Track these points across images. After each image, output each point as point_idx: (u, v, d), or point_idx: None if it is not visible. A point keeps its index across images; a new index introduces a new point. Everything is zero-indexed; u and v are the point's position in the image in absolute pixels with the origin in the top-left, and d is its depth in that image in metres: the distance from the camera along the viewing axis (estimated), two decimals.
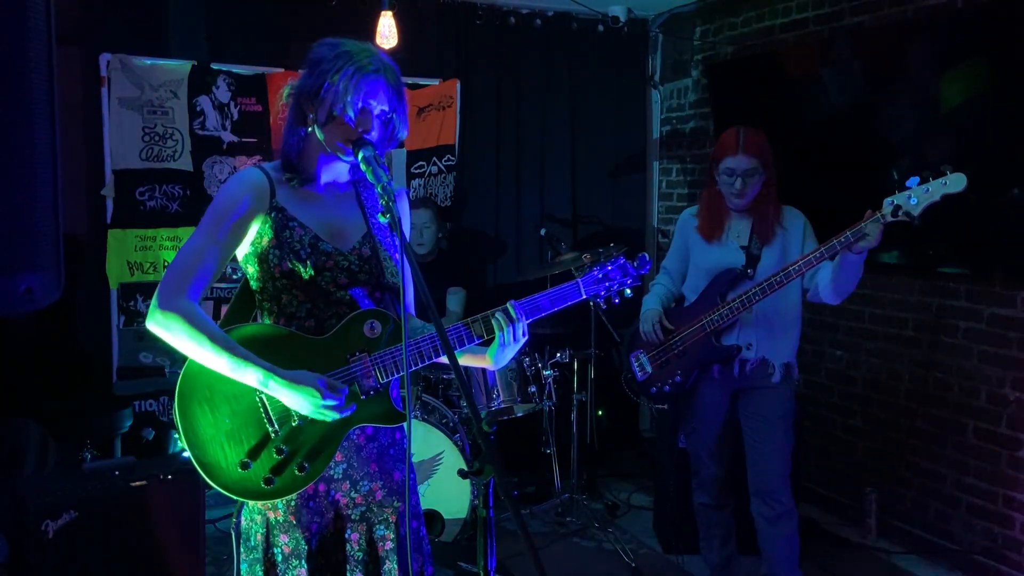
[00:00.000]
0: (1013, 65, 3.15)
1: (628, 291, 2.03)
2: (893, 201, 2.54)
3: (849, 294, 2.87)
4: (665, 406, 3.28)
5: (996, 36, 3.21)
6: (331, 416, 1.79)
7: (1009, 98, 3.19)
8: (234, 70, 4.38)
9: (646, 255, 2.05)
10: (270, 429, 1.83)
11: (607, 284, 1.99)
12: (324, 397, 1.76)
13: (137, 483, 2.99)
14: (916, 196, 2.50)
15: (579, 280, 1.98)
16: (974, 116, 3.35)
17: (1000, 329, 3.48)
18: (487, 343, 1.93)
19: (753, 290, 2.84)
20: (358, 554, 1.92)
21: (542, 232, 4.89)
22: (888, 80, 3.67)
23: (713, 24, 4.96)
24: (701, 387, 3.08)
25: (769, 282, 2.80)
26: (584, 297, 1.98)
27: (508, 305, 1.92)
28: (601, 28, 5.13)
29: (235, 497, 1.83)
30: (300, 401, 1.77)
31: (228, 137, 4.40)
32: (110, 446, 3.79)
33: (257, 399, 1.83)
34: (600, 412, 4.94)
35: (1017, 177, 3.23)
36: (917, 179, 2.51)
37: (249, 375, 1.76)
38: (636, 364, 3.20)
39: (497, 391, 3.82)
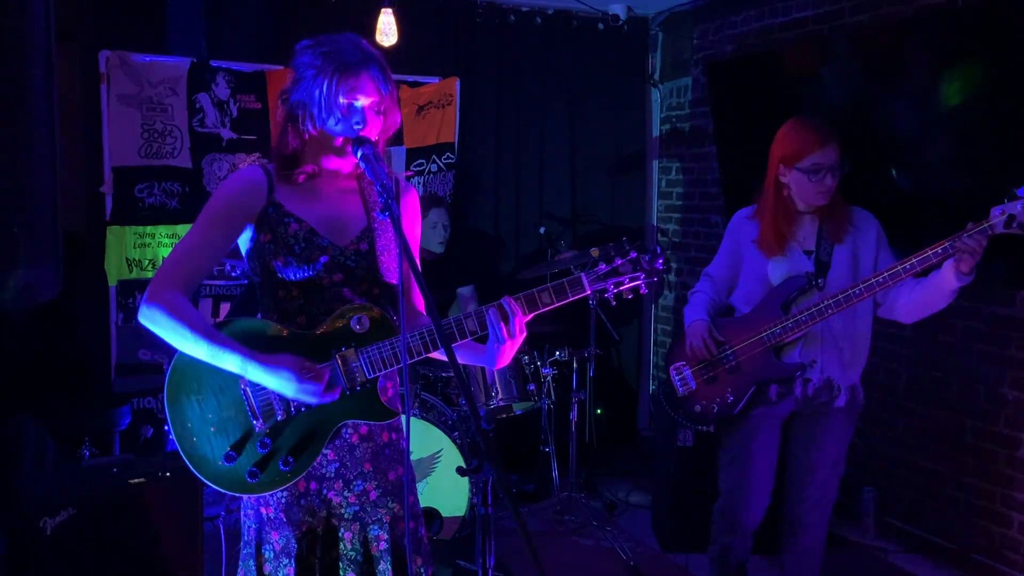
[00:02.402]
0: (1013, 65, 3.15)
1: (643, 288, 1.91)
2: (1004, 210, 2.26)
3: (925, 316, 2.60)
4: (711, 428, 2.92)
5: (996, 36, 3.20)
6: (312, 399, 1.79)
7: (1009, 98, 3.19)
8: (233, 67, 4.38)
9: (660, 247, 1.93)
10: (254, 423, 1.84)
11: (615, 280, 1.89)
12: (299, 380, 1.76)
13: (136, 480, 2.99)
14: None
15: (582, 275, 1.87)
16: (973, 116, 3.34)
17: (999, 328, 3.48)
18: (483, 339, 1.89)
19: (827, 302, 2.52)
20: (351, 554, 1.92)
21: (541, 230, 4.89)
22: (887, 79, 3.66)
23: (713, 23, 4.95)
24: (754, 416, 2.73)
25: (846, 294, 2.49)
26: (588, 292, 1.87)
27: (501, 302, 1.87)
28: (601, 26, 5.12)
29: (223, 490, 1.85)
30: (280, 383, 1.77)
31: (227, 134, 4.39)
32: (108, 443, 3.79)
33: (241, 391, 1.83)
34: (599, 411, 4.95)
35: (1016, 177, 3.21)
36: None
37: (229, 361, 1.77)
38: (677, 377, 2.85)
39: (496, 389, 3.81)
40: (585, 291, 1.87)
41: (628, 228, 5.41)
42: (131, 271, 4.23)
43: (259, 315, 1.93)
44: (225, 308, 4.35)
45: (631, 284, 1.90)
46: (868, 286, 2.47)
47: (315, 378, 1.78)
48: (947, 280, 2.42)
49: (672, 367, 2.88)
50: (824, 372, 2.66)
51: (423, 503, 3.57)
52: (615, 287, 1.89)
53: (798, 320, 2.57)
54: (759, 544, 3.07)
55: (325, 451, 1.86)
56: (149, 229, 4.26)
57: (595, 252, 1.94)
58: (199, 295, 4.34)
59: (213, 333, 1.78)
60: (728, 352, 2.72)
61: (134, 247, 4.24)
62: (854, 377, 2.70)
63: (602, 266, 1.89)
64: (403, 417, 1.93)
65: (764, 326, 2.64)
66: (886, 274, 2.44)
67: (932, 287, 2.48)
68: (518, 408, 3.91)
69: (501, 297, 1.88)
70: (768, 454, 2.77)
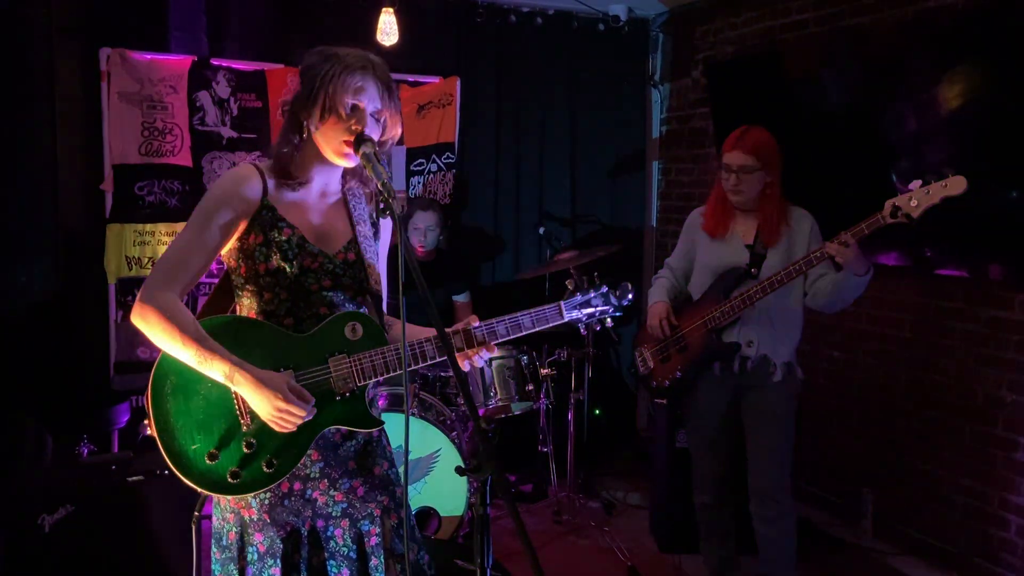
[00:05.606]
0: (1013, 66, 3.15)
1: (609, 320, 2.08)
2: (893, 202, 2.58)
3: (841, 307, 2.94)
4: (664, 401, 3.33)
5: (996, 36, 3.21)
6: (287, 425, 1.78)
7: (1009, 99, 3.19)
8: (234, 66, 4.38)
9: (628, 284, 2.09)
10: (241, 421, 1.82)
11: (588, 311, 2.04)
12: (287, 400, 1.75)
13: (134, 478, 3.00)
14: (916, 198, 2.54)
15: (561, 303, 2.02)
16: (973, 117, 3.35)
17: (997, 331, 3.48)
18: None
19: (754, 288, 2.86)
20: (344, 550, 1.92)
21: (541, 231, 4.88)
22: (888, 81, 3.66)
23: (713, 24, 4.96)
24: (701, 384, 3.10)
25: (770, 281, 2.83)
26: (565, 320, 2.02)
27: (470, 328, 1.92)
28: (602, 27, 5.12)
29: (200, 490, 1.82)
30: (260, 402, 1.76)
31: (228, 133, 4.39)
32: (107, 441, 3.79)
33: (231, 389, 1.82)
34: (597, 411, 4.95)
35: (1016, 179, 3.23)
36: (920, 181, 2.55)
37: (216, 367, 1.76)
38: (639, 358, 3.26)
39: (494, 389, 3.82)
40: (563, 319, 2.02)
41: (628, 229, 5.41)
42: (131, 269, 4.23)
43: (240, 313, 1.93)
44: None
45: (601, 317, 2.07)
46: (787, 272, 2.80)
47: (300, 402, 1.77)
48: (847, 276, 2.77)
49: (636, 349, 3.29)
50: (760, 350, 3.00)
51: (421, 503, 3.57)
52: (588, 318, 2.05)
53: (733, 305, 2.93)
54: (744, 544, 3.26)
55: (308, 451, 1.86)
56: (149, 227, 4.26)
57: (570, 284, 2.06)
58: (199, 293, 4.35)
59: (203, 338, 1.76)
60: (678, 334, 3.09)
61: (134, 245, 4.24)
62: (787, 355, 3.02)
63: (578, 297, 2.04)
64: (387, 417, 1.96)
65: (707, 311, 3.00)
66: (802, 261, 2.76)
67: (843, 281, 2.81)
68: (516, 408, 3.91)
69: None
70: (716, 411, 3.10)
